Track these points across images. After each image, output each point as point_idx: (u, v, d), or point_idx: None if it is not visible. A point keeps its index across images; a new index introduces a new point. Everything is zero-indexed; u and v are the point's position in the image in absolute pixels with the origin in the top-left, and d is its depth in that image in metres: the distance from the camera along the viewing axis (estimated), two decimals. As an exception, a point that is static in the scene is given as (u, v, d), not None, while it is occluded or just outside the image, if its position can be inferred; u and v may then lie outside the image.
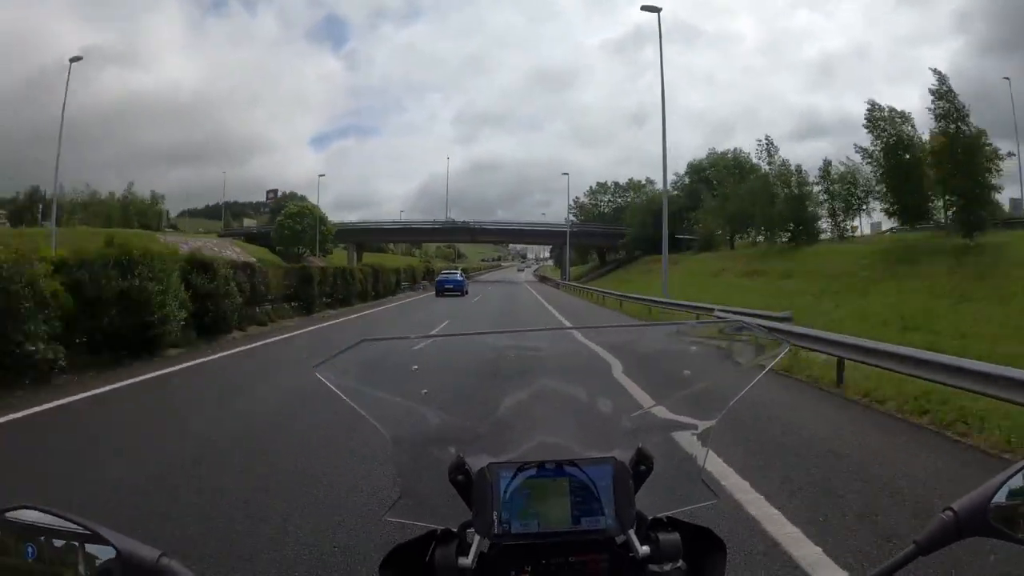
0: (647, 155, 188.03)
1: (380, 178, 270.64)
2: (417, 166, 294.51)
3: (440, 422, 0.96)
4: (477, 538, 0.84)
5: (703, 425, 0.96)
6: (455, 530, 0.86)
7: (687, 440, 0.96)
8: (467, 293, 31.29)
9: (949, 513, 0.72)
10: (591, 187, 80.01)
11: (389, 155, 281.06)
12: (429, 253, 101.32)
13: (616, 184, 78.52)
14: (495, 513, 0.84)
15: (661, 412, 0.98)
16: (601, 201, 78.41)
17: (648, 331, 1.44)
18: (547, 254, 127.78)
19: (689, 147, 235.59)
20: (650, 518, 0.87)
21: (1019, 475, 0.72)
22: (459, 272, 36.90)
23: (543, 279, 68.23)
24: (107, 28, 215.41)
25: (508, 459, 0.89)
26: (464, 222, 67.62)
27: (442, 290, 31.64)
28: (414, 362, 0.98)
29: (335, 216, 68.80)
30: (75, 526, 0.65)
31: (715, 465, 3.82)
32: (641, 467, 0.89)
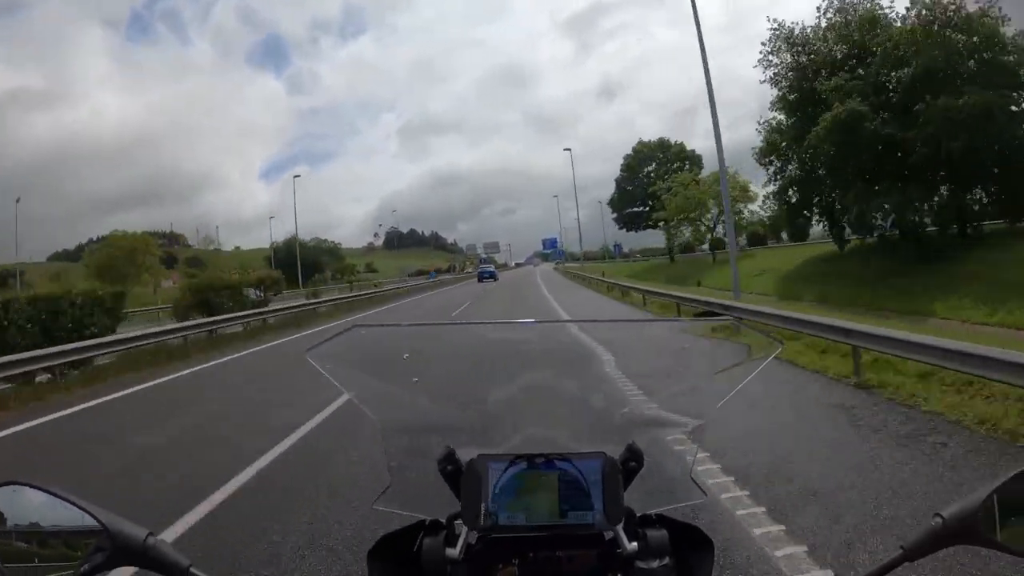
0: (612, 146, 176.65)
1: (338, 203, 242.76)
2: (374, 186, 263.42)
3: (430, 412, 0.96)
4: (465, 529, 0.84)
5: (694, 423, 0.96)
6: (443, 521, 0.87)
7: (678, 438, 0.96)
8: (498, 279, 46.20)
9: (938, 520, 0.72)
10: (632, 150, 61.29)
11: (345, 178, 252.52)
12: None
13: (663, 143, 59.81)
14: (483, 505, 0.84)
15: (653, 409, 0.98)
16: (641, 174, 59.09)
17: (644, 327, 1.43)
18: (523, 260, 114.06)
19: (652, 133, 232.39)
20: (639, 515, 0.87)
21: (1009, 483, 0.72)
22: (492, 266, 56.57)
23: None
24: (26, 68, 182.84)
25: (498, 451, 0.88)
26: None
27: (482, 278, 46.59)
28: (406, 350, 0.99)
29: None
30: (65, 504, 0.66)
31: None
32: (631, 463, 0.89)
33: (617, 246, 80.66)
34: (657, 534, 0.83)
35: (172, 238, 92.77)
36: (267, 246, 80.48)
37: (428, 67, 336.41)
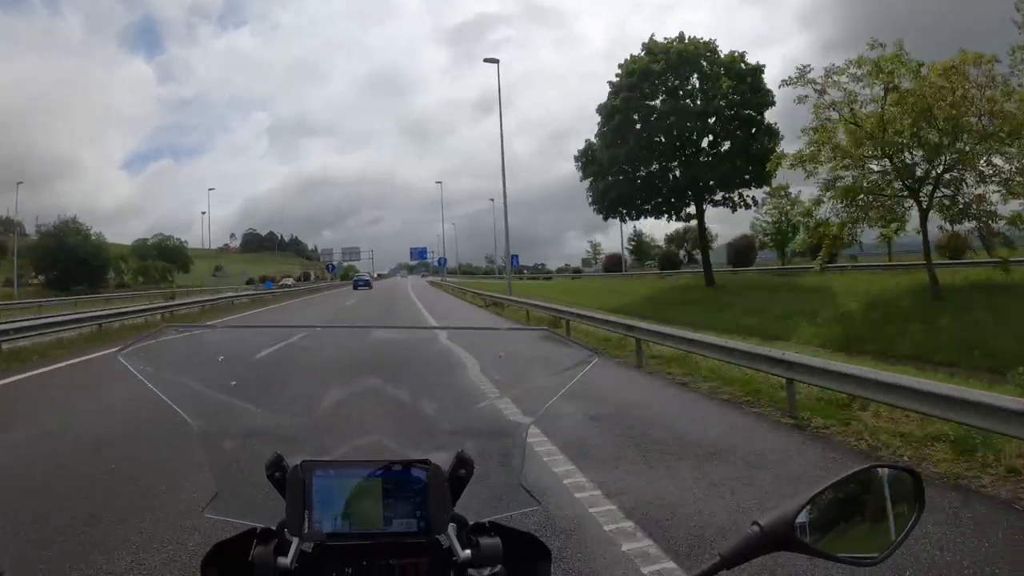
0: (486, 164, 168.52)
1: (200, 200, 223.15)
2: (239, 186, 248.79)
3: (255, 416, 0.93)
4: (296, 538, 0.82)
5: (520, 428, 0.99)
6: (275, 528, 0.83)
7: (506, 445, 1.00)
8: (372, 287, 50.38)
9: (755, 528, 0.74)
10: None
11: (210, 175, 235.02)
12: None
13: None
14: (307, 513, 0.83)
15: (482, 415, 1.01)
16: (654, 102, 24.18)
17: (479, 335, 1.47)
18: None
19: (525, 153, 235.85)
20: (472, 523, 0.89)
21: (824, 493, 0.76)
22: (367, 275, 61.29)
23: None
24: None
25: (325, 457, 0.87)
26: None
27: (357, 285, 51.30)
28: (224, 353, 0.95)
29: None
30: None
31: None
32: (461, 471, 0.90)
33: (514, 257, 74.96)
34: (490, 541, 0.85)
35: (8, 224, 75.09)
36: (128, 241, 72.26)
37: (305, 67, 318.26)
